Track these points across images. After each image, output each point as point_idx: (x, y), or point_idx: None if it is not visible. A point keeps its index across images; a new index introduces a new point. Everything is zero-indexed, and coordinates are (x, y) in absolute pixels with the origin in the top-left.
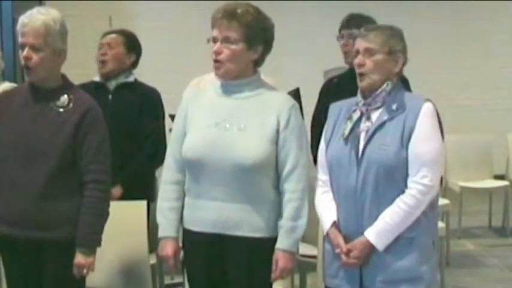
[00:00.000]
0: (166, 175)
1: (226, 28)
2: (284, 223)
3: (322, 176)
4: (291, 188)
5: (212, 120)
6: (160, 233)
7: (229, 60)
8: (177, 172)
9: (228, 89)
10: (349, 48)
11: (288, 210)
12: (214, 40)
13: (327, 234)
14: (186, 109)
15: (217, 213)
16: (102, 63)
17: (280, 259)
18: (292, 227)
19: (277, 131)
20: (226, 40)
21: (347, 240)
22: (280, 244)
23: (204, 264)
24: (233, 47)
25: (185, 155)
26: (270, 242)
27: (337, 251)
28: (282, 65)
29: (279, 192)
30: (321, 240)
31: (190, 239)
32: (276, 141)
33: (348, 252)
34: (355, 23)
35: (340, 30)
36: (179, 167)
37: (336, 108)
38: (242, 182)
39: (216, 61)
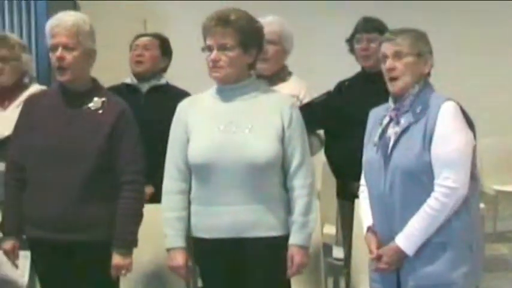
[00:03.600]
0: (170, 185)
1: (222, 35)
2: (296, 219)
3: (363, 180)
4: (300, 184)
5: (217, 125)
6: (168, 244)
7: (228, 66)
8: (181, 181)
9: (226, 93)
10: (369, 52)
11: (298, 206)
12: (210, 48)
13: (365, 238)
14: (184, 117)
15: (232, 217)
16: (138, 63)
17: (295, 255)
18: (304, 222)
19: (283, 129)
20: (222, 47)
21: (382, 244)
22: (294, 240)
23: (222, 269)
24: (230, 53)
25: (194, 161)
26: (285, 240)
27: (370, 256)
28: (316, 67)
29: (285, 189)
30: (354, 243)
31: (204, 247)
32: (281, 139)
33: (379, 258)
34: (373, 26)
35: (355, 34)
36: (183, 176)
37: (373, 114)
38: (253, 182)
39: (214, 67)
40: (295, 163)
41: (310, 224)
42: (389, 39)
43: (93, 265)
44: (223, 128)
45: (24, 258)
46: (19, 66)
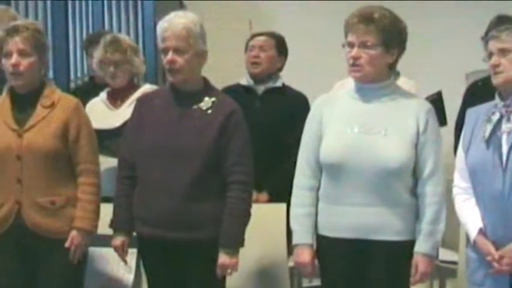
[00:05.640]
0: (301, 181)
1: (364, 33)
2: (424, 226)
3: (462, 183)
4: (431, 191)
5: (351, 124)
6: (296, 240)
7: (368, 65)
8: (312, 178)
9: (365, 93)
10: None
11: (427, 213)
12: (350, 45)
13: (474, 242)
14: (320, 114)
15: (357, 218)
16: (255, 64)
17: (420, 263)
18: (432, 230)
19: (417, 135)
20: (363, 45)
21: (496, 246)
22: (420, 248)
23: (342, 269)
24: (371, 51)
25: (325, 159)
26: (409, 246)
27: (489, 258)
28: (423, 68)
29: (412, 195)
30: (461, 246)
31: (327, 245)
32: (415, 144)
33: (500, 259)
34: (506, 24)
35: (487, 33)
36: (313, 173)
37: (473, 113)
38: (383, 186)
39: (354, 65)
40: (427, 170)
41: (437, 233)
42: (495, 37)
43: (200, 263)
44: (357, 129)
45: (132, 255)
46: (131, 69)
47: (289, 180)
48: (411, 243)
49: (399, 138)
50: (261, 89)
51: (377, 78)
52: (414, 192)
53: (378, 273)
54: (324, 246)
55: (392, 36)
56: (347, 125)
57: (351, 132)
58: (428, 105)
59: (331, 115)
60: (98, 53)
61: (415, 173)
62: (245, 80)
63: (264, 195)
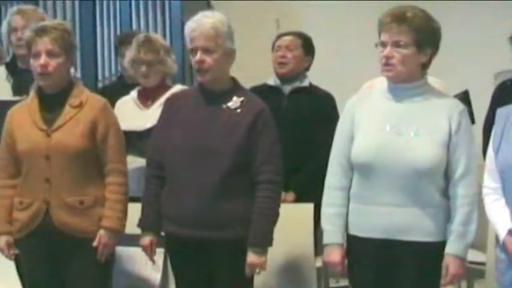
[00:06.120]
0: (332, 181)
1: (397, 32)
2: (455, 228)
3: (492, 183)
4: (463, 193)
5: (383, 124)
6: (327, 240)
7: (401, 64)
8: (343, 177)
9: (397, 93)
10: None
11: (459, 215)
12: (383, 44)
13: (503, 242)
14: (352, 113)
15: (387, 219)
16: (282, 64)
17: (451, 264)
18: (463, 232)
19: (449, 135)
20: (396, 44)
21: None
22: (451, 249)
23: (371, 269)
24: (404, 51)
25: (357, 159)
26: (440, 247)
27: None
28: (450, 67)
29: (443, 196)
30: (490, 247)
31: (357, 245)
32: (447, 145)
33: None
34: None
35: None
36: (345, 172)
37: (503, 113)
38: (414, 186)
39: (386, 65)
40: (459, 171)
41: (469, 235)
42: None
43: (228, 263)
44: (389, 129)
45: (159, 254)
46: (163, 69)
47: (315, 180)
48: (442, 245)
49: (431, 139)
50: (287, 88)
51: (409, 78)
52: (446, 193)
53: (407, 274)
54: (354, 246)
55: (425, 36)
56: (379, 125)
57: (382, 132)
58: (461, 106)
59: (363, 115)
60: (130, 52)
61: (447, 174)
62: (272, 80)
63: (290, 195)
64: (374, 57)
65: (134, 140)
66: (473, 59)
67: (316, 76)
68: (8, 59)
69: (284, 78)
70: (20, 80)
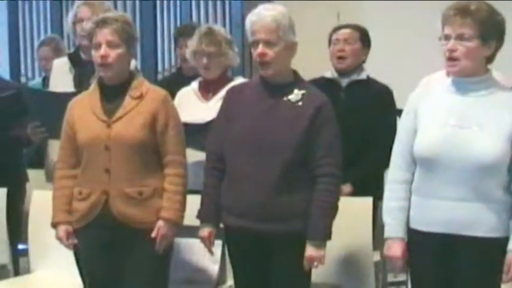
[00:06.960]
0: (395, 174)
1: (460, 25)
2: None
3: None
4: None
5: (447, 118)
6: (388, 233)
7: (465, 58)
8: (406, 171)
9: (461, 86)
10: None
11: None
12: (447, 37)
13: None
14: (415, 107)
15: (450, 213)
16: (340, 58)
17: None
18: None
19: None
20: (460, 37)
21: None
22: None
23: (432, 264)
24: (468, 44)
25: (420, 153)
26: (503, 243)
27: None
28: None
29: (507, 192)
30: None
31: (418, 239)
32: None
33: None
34: None
35: None
36: (408, 166)
37: None
38: (477, 181)
39: (450, 59)
40: None
41: None
42: None
43: (286, 256)
44: (453, 123)
45: (218, 246)
46: (224, 61)
47: (373, 172)
48: (505, 241)
49: (494, 133)
50: (345, 81)
51: (474, 72)
52: (509, 188)
53: (468, 269)
54: (415, 240)
55: (489, 29)
56: (442, 119)
57: (446, 126)
58: None
59: (427, 109)
60: (192, 43)
61: (511, 169)
62: (329, 73)
63: (347, 186)
64: (433, 51)
65: (194, 133)
66: None
67: (376, 69)
68: (71, 50)
69: (342, 71)
70: (82, 72)
